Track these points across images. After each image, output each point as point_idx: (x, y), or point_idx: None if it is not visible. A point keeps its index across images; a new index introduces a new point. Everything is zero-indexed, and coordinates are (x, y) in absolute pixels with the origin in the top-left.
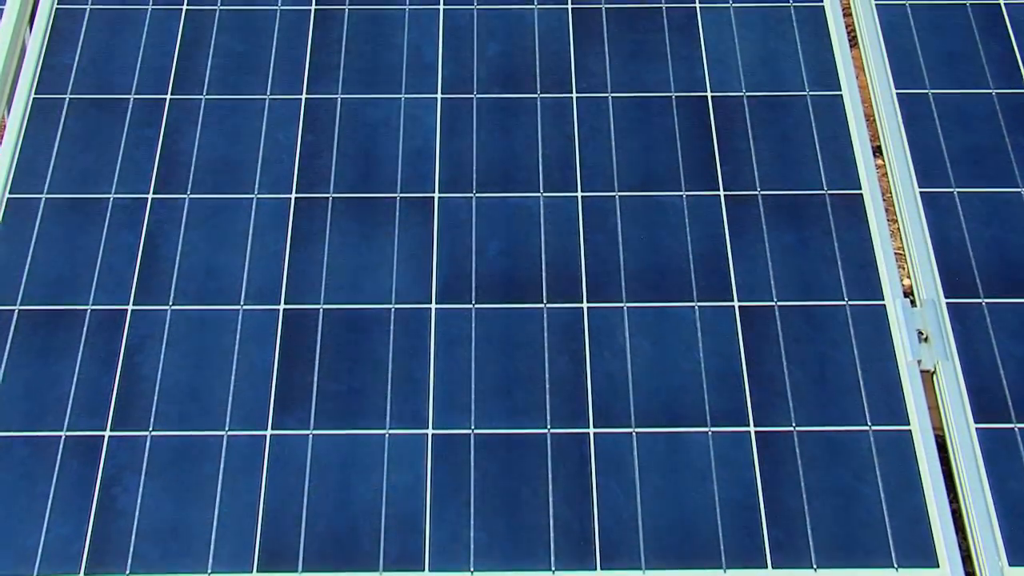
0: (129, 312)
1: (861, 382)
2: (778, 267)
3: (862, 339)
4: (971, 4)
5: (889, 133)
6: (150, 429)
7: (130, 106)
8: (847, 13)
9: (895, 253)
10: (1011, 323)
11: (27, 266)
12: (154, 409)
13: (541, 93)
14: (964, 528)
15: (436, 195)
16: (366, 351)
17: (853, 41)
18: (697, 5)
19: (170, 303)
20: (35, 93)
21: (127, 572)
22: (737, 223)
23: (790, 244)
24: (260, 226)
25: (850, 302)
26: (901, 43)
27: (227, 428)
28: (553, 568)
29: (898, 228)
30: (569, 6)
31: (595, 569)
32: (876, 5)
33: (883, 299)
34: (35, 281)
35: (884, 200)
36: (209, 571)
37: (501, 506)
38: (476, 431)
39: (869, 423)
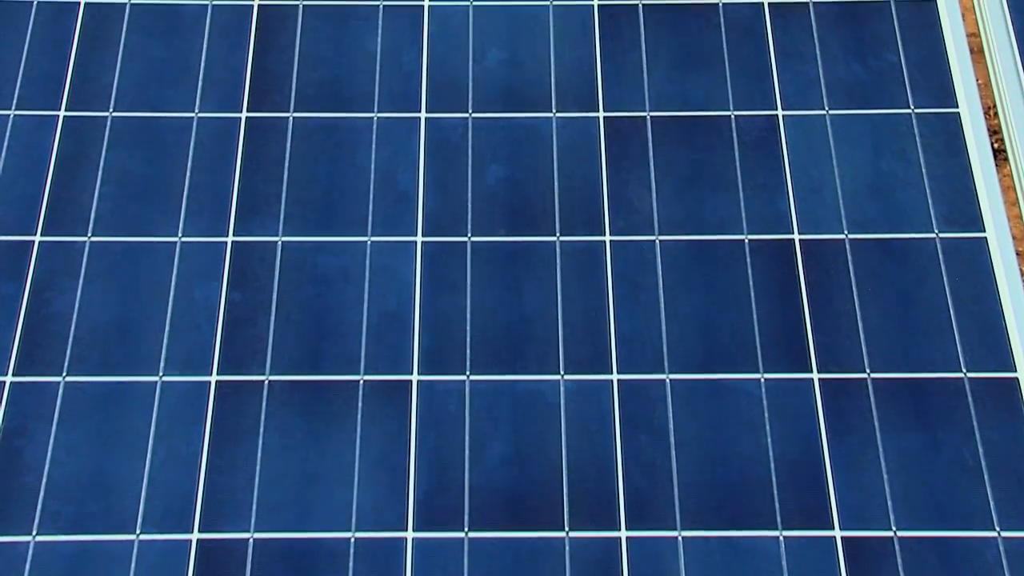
0: None
1: None
2: (897, 482)
3: None
4: None
5: None
6: None
7: None
8: (992, 115)
9: None
10: None
11: None
12: None
13: (561, 235)
14: None
15: (415, 377)
16: None
17: (1001, 157)
18: (779, 113)
19: (33, 533)
20: None
21: None
22: (838, 419)
23: (914, 450)
24: (166, 421)
25: (1003, 533)
26: None
27: None
28: None
29: None
30: (600, 114)
31: None
32: None
33: None
34: None
35: None
36: None
37: None
38: None
39: None
